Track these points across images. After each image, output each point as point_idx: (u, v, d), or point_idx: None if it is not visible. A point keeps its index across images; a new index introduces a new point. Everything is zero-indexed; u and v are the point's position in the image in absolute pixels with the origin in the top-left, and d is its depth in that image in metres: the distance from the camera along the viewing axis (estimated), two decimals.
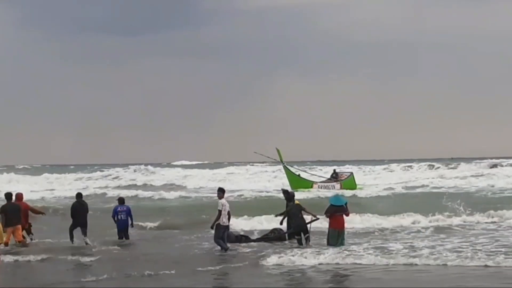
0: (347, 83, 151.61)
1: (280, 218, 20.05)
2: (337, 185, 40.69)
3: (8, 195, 19.92)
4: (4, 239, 18.93)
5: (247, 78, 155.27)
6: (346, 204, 19.05)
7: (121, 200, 21.53)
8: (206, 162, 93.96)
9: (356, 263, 15.75)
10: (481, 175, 53.05)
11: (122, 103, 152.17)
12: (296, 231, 19.33)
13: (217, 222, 17.97)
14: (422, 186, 45.56)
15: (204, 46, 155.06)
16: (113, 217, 21.02)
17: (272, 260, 16.17)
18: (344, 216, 18.77)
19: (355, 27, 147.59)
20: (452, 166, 64.98)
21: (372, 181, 53.38)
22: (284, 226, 20.13)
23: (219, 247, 18.29)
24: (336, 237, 18.51)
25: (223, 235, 18.24)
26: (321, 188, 40.02)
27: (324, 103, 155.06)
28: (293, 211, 19.39)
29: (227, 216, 18.02)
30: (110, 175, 65.71)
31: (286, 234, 20.16)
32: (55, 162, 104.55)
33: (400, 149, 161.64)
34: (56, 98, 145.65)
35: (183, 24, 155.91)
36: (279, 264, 15.84)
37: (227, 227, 18.31)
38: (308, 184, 39.45)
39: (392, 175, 59.10)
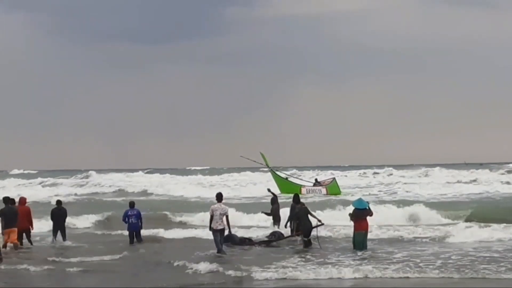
0: (366, 90, 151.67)
1: (265, 215, 21.87)
2: (324, 190, 40.93)
3: (6, 199, 20.48)
4: (3, 241, 19.60)
5: (266, 85, 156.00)
6: (368, 206, 19.20)
7: (131, 204, 21.83)
8: (222, 167, 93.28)
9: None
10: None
11: (147, 110, 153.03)
12: (304, 234, 19.52)
13: (212, 226, 18.55)
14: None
15: (226, 54, 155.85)
16: (124, 220, 21.51)
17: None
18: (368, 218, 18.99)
19: (373, 35, 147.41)
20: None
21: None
22: (286, 230, 20.82)
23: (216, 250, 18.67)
24: (361, 240, 18.67)
25: (219, 238, 18.56)
26: (308, 192, 40.37)
27: (343, 109, 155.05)
28: (301, 213, 19.53)
29: (219, 221, 18.41)
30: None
31: (300, 238, 19.93)
32: (79, 167, 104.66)
33: (416, 154, 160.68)
34: (82, 105, 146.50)
35: (205, 32, 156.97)
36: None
37: (222, 230, 18.56)
38: (297, 188, 39.23)
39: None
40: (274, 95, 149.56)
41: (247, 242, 20.65)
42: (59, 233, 21.40)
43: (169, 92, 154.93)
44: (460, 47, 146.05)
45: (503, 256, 16.89)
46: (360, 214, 18.75)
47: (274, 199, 23.04)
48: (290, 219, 20.88)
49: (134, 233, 21.25)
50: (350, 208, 19.59)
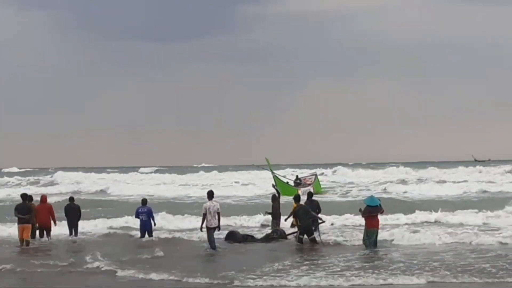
0: (380, 87, 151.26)
1: (269, 216, 22.28)
2: (312, 190, 40.50)
3: (23, 196, 21.33)
4: (18, 236, 20.43)
5: (282, 82, 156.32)
6: (380, 203, 19.33)
7: (143, 201, 22.17)
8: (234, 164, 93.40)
9: None
10: None
11: (160, 108, 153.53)
12: (301, 232, 19.78)
13: (205, 224, 18.75)
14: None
15: (236, 52, 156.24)
16: (136, 217, 21.92)
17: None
18: (379, 215, 19.30)
19: (386, 32, 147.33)
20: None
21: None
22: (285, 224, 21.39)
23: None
24: (372, 236, 18.89)
25: (213, 237, 18.90)
26: (303, 194, 40.27)
27: (357, 107, 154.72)
28: (301, 212, 19.73)
29: (214, 219, 18.64)
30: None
31: (295, 235, 20.36)
32: (95, 165, 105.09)
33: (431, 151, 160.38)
34: (96, 104, 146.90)
35: (221, 30, 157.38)
36: None
37: (215, 228, 18.81)
38: (294, 191, 39.25)
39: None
40: (283, 93, 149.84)
41: (249, 239, 20.88)
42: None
43: (183, 90, 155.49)
44: (470, 44, 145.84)
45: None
46: (372, 211, 18.89)
47: (275, 196, 23.03)
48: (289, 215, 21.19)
49: (146, 231, 21.52)
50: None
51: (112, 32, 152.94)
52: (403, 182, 50.73)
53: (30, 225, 20.51)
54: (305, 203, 21.35)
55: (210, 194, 18.96)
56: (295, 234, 20.38)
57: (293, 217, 20.24)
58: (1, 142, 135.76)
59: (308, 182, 42.47)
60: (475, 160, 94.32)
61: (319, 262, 16.69)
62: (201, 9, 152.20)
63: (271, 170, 38.00)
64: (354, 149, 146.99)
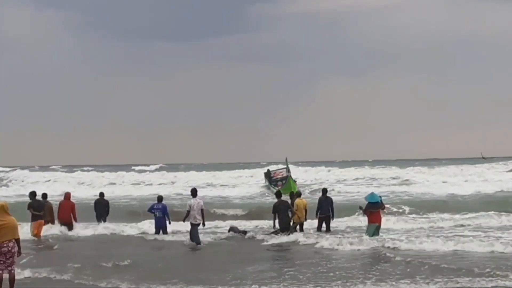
0: (395, 86, 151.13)
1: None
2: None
3: (33, 193, 22.09)
4: (34, 231, 21.01)
5: (295, 81, 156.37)
6: (381, 200, 20.15)
7: (159, 198, 22.30)
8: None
9: None
10: None
11: (175, 107, 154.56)
12: (281, 228, 20.25)
13: (189, 221, 19.32)
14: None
15: (251, 52, 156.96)
16: (149, 211, 22.19)
17: None
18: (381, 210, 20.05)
19: (402, 30, 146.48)
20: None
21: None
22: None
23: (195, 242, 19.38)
24: (373, 230, 19.55)
25: (197, 233, 19.41)
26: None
27: (370, 105, 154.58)
28: (280, 207, 20.33)
29: (198, 216, 19.17)
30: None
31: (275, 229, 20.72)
32: (116, 162, 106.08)
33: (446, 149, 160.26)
34: (116, 102, 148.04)
35: (234, 29, 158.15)
36: None
37: (199, 224, 19.33)
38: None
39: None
40: (298, 92, 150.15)
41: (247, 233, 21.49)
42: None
43: (200, 89, 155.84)
44: (485, 42, 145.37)
45: None
46: (373, 207, 19.71)
47: (293, 193, 23.47)
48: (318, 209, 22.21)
49: (160, 228, 21.70)
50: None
51: (128, 31, 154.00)
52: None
53: (43, 221, 21.35)
54: (320, 198, 22.55)
55: (194, 192, 19.57)
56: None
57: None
58: (16, 139, 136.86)
59: (278, 176, 42.17)
60: (483, 158, 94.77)
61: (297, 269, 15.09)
62: (217, 9, 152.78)
63: (288, 171, 37.57)
64: (372, 147, 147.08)
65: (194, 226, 19.35)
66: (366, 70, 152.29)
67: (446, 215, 26.04)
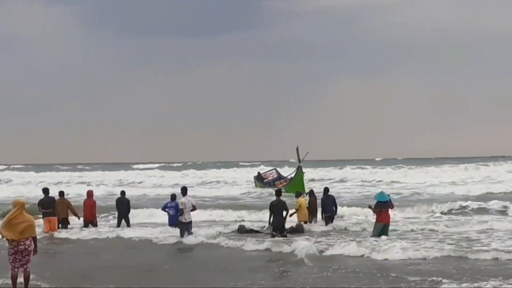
0: (408, 84, 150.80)
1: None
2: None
3: (45, 190, 22.43)
4: (44, 228, 21.36)
5: (309, 78, 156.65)
6: (390, 199, 20.15)
7: (172, 197, 22.57)
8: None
9: None
10: None
11: (187, 103, 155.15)
12: (274, 227, 19.63)
13: (180, 219, 19.63)
14: None
15: (263, 48, 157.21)
16: (162, 209, 22.75)
17: None
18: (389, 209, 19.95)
19: (416, 26, 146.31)
20: None
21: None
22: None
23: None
24: (381, 230, 19.52)
25: (185, 229, 19.49)
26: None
27: (384, 103, 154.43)
28: (277, 207, 19.70)
29: (188, 214, 19.50)
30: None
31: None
32: (120, 160, 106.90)
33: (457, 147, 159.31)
34: (124, 100, 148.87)
35: (247, 26, 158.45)
36: None
37: (189, 222, 19.62)
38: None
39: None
40: (312, 88, 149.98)
41: (254, 232, 21.14)
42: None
43: (210, 86, 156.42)
44: (502, 36, 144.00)
45: None
46: (382, 206, 19.61)
47: (312, 191, 23.55)
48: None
49: (174, 226, 21.61)
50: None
51: (139, 27, 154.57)
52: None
53: (56, 218, 21.60)
54: (322, 198, 22.70)
55: (184, 190, 19.81)
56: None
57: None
58: (16, 138, 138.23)
59: (270, 178, 42.85)
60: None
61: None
62: (229, 5, 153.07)
63: (299, 161, 35.81)
64: (384, 146, 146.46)
65: (183, 225, 19.59)
66: (381, 67, 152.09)
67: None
